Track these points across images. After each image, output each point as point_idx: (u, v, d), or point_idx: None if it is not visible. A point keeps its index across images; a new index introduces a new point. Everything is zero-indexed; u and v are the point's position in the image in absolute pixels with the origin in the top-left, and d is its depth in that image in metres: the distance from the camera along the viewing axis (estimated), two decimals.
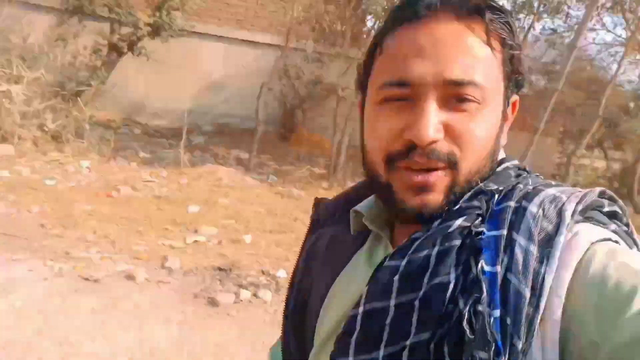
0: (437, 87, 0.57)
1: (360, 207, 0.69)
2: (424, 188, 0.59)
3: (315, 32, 9.64)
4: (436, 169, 0.58)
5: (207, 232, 4.84)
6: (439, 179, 0.58)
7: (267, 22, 10.31)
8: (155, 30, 8.21)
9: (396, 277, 0.56)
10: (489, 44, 0.58)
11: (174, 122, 8.81)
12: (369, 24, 10.44)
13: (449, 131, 0.58)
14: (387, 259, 0.59)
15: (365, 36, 9.72)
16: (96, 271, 3.77)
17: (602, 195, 0.61)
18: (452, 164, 0.58)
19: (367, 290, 0.58)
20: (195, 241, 4.62)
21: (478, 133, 0.58)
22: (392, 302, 0.55)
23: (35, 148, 6.20)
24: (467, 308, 0.51)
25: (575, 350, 0.49)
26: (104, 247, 4.20)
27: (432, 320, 0.53)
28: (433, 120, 0.56)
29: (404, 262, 0.56)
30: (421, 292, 0.54)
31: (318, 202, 0.81)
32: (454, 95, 0.57)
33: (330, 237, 0.75)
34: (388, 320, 0.55)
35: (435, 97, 0.57)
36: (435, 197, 0.59)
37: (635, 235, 0.62)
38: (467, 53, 0.57)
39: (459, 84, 0.56)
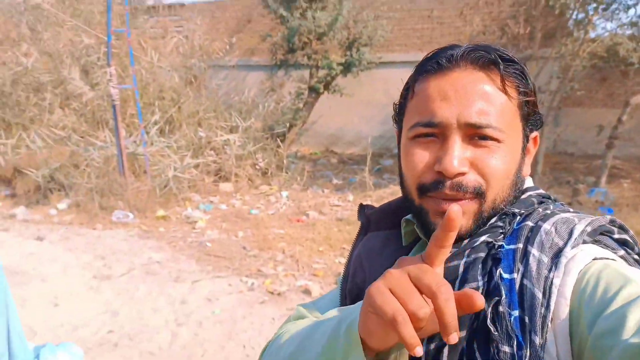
0: (460, 128, 0.67)
1: (411, 217, 0.78)
2: None
3: (502, 38, 9.20)
4: (464, 199, 0.67)
5: None
6: (468, 206, 0.68)
7: (453, 38, 10.27)
8: (347, 68, 9.04)
9: None
10: (504, 91, 0.68)
11: (366, 148, 9.40)
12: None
13: (474, 165, 0.67)
14: None
15: (571, 28, 8.57)
16: (280, 286, 4.39)
17: (612, 223, 0.68)
18: (479, 194, 0.68)
19: None
20: None
21: (500, 167, 0.67)
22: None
23: (249, 184, 7.44)
24: (490, 309, 0.60)
25: (577, 342, 0.58)
26: (289, 265, 4.84)
27: (466, 321, 0.62)
28: (458, 155, 0.66)
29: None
30: None
31: (363, 207, 0.90)
32: (476, 134, 0.67)
33: (384, 239, 0.83)
34: None
35: (459, 135, 0.67)
36: (465, 223, 0.68)
37: None
38: (485, 99, 0.67)
39: (478, 127, 0.66)
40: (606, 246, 0.65)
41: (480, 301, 0.52)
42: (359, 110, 9.95)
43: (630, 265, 0.65)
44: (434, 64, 0.70)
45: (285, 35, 8.93)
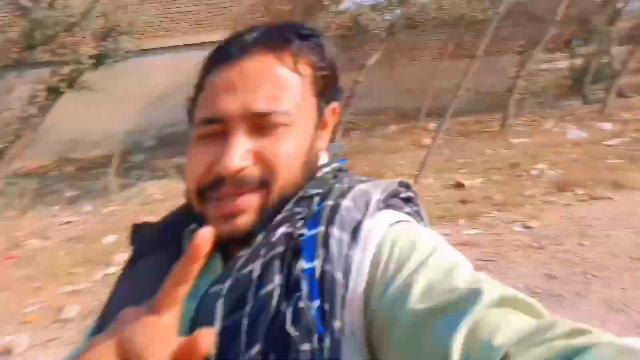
0: (245, 119, 0.61)
1: (196, 226, 0.68)
2: (232, 215, 0.61)
3: (266, 17, 9.08)
4: (246, 192, 0.61)
5: (122, 259, 4.34)
6: (249, 201, 0.62)
7: (221, 19, 9.79)
8: (99, 60, 8.09)
9: (219, 302, 0.56)
10: (296, 70, 0.64)
11: (113, 148, 8.40)
12: None
13: (259, 156, 0.62)
14: (210, 286, 0.59)
15: (327, 3, 8.78)
16: None
17: (401, 184, 0.70)
18: (264, 185, 0.62)
19: (195, 320, 0.57)
20: (106, 275, 4.19)
21: (287, 152, 0.63)
22: (217, 329, 0.55)
23: None
24: (290, 309, 0.54)
25: (370, 311, 0.55)
26: None
27: (261, 333, 0.54)
28: (238, 150, 0.60)
29: (227, 285, 0.57)
30: (248, 308, 0.55)
31: (137, 229, 0.76)
32: (263, 122, 0.62)
33: (158, 262, 0.64)
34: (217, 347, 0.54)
35: (244, 128, 0.61)
36: (246, 219, 0.61)
37: (423, 213, 0.71)
38: (274, 84, 0.63)
39: (263, 115, 0.61)
40: (396, 207, 0.66)
41: (205, 342, 0.41)
42: (108, 107, 9.01)
43: (414, 218, 0.67)
44: (225, 54, 0.64)
45: (25, 31, 7.57)
